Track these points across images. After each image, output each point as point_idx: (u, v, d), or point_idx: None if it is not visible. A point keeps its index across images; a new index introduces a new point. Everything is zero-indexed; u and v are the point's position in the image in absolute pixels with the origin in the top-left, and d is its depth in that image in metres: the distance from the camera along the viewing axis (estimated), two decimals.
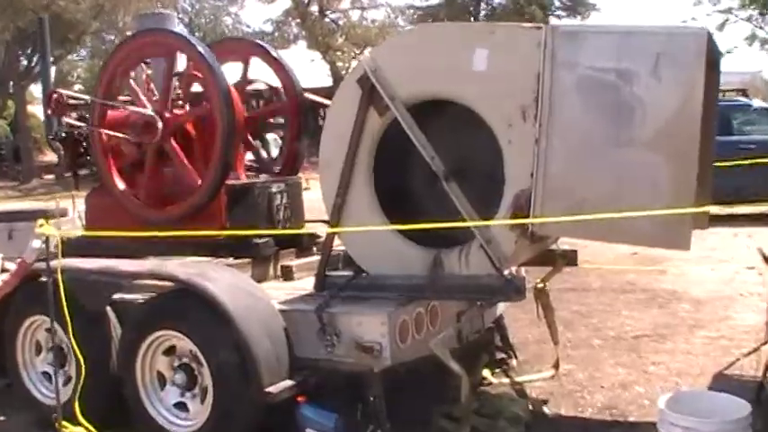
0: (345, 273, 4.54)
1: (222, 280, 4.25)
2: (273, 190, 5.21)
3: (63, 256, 4.49)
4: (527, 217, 3.97)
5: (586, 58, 3.88)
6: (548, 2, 38.15)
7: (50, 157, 32.54)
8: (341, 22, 40.18)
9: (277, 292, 4.61)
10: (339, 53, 38.17)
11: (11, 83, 35.08)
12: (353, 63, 38.45)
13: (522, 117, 3.96)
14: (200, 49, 5.03)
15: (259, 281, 4.98)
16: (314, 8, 39.08)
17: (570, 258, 5.30)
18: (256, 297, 4.30)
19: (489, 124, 4.08)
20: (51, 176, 29.61)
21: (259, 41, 6.38)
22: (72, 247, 4.95)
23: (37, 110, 32.52)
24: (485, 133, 4.11)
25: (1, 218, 7.34)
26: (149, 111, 5.14)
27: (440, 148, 4.19)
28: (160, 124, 5.10)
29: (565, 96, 3.89)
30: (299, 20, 40.45)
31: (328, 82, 33.28)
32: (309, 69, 32.05)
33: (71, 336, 4.40)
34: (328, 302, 4.20)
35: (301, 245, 5.47)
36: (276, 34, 42.64)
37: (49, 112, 5.61)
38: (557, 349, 5.51)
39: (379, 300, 4.24)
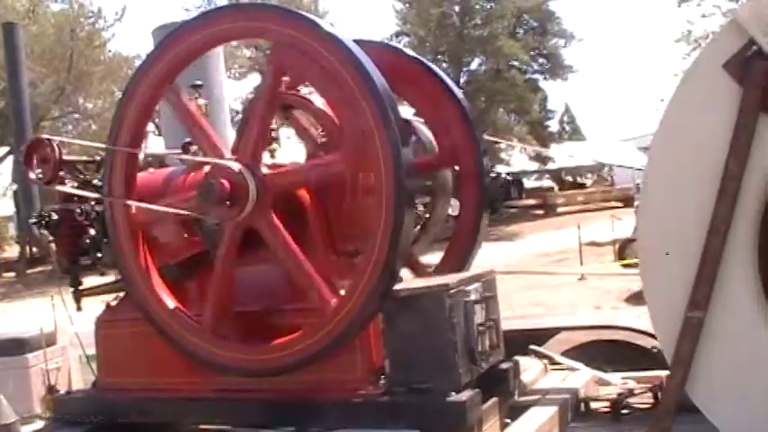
0: None
1: None
2: (472, 297, 2.73)
3: None
4: None
5: None
6: (526, 66, 36.35)
7: (8, 251, 29.38)
8: None
9: None
10: None
11: None
12: None
13: None
14: (341, 39, 2.65)
15: None
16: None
17: None
18: None
19: None
20: (11, 274, 26.33)
21: (394, 45, 3.99)
22: (73, 406, 3.36)
23: None
24: None
25: None
26: (231, 162, 2.72)
27: None
28: (253, 186, 2.70)
29: None
30: None
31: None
32: (286, 146, 29.66)
33: None
34: None
35: (507, 389, 3.01)
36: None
37: (32, 176, 3.12)
38: None
39: None
